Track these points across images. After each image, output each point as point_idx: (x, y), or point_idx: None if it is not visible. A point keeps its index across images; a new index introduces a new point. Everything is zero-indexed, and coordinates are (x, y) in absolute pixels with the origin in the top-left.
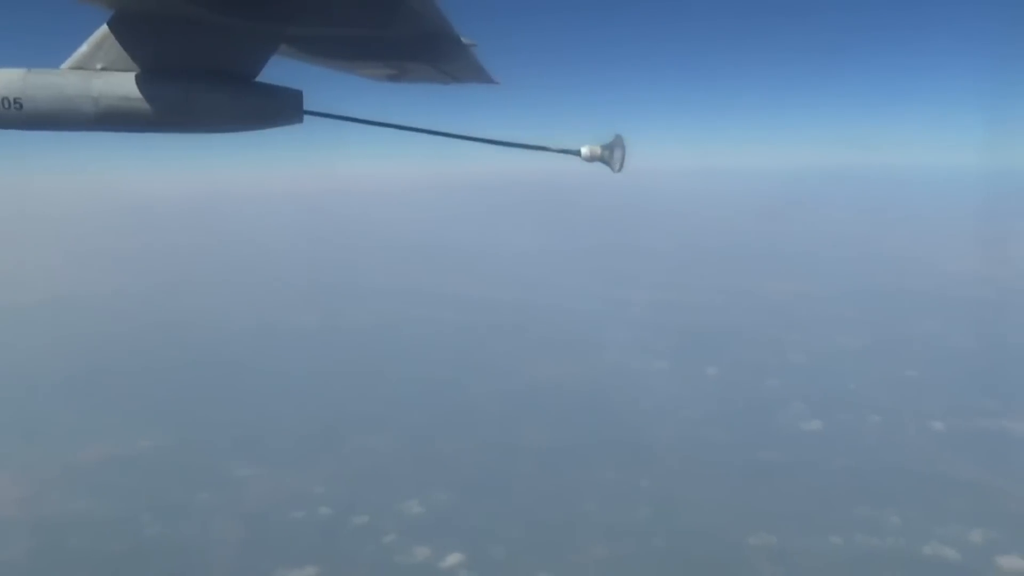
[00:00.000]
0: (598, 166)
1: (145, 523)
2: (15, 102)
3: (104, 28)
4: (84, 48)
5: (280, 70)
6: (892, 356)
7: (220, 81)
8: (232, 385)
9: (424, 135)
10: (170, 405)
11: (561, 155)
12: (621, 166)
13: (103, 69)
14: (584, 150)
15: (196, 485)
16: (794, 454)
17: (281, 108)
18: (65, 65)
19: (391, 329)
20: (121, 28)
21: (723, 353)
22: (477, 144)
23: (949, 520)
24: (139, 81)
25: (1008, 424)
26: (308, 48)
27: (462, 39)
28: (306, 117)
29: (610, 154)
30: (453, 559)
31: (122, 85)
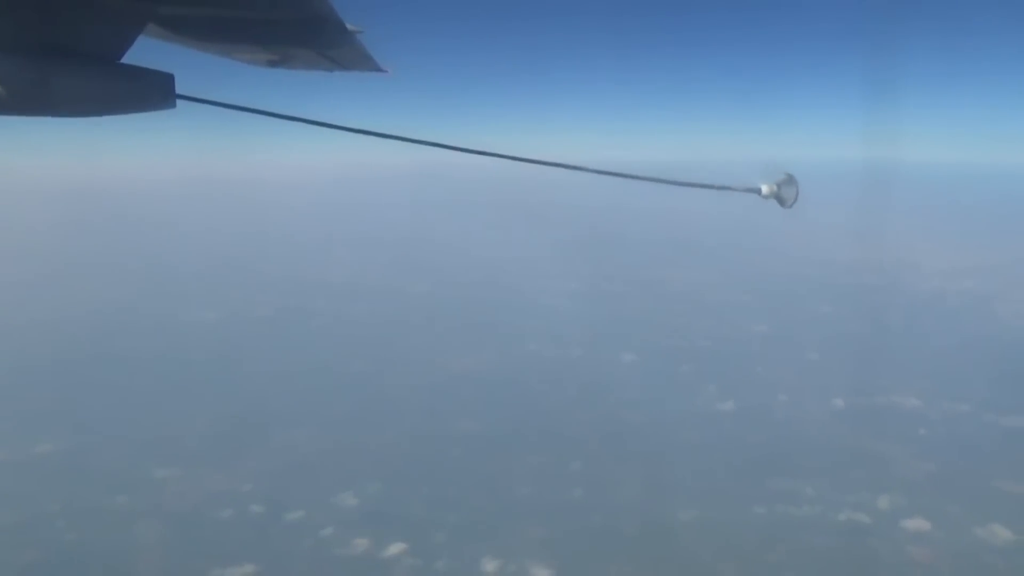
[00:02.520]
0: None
1: (60, 529)
2: None
3: None
4: None
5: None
6: (793, 340)
7: (78, 62)
8: (134, 382)
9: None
10: (67, 406)
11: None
12: (793, 203)
13: None
14: (764, 188)
15: (111, 488)
16: (711, 433)
17: (150, 92)
18: None
19: (297, 321)
20: None
21: (637, 340)
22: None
23: (857, 489)
24: None
25: (899, 399)
26: (178, 29)
27: (347, 25)
28: (180, 102)
29: (780, 191)
30: (395, 548)
31: None
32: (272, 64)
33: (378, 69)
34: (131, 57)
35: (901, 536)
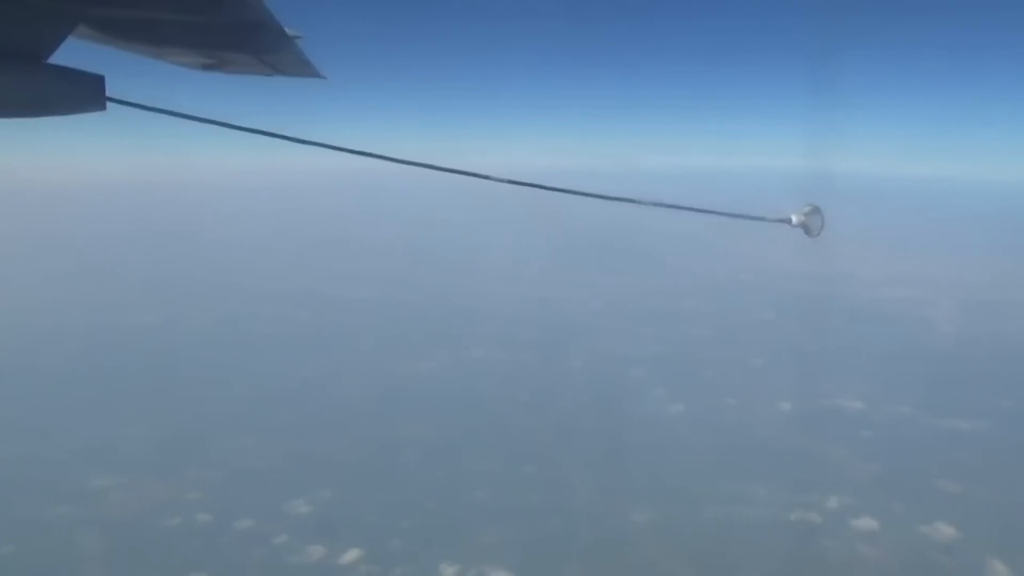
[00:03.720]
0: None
1: None
2: None
3: None
4: None
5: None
6: (738, 345)
7: (3, 61)
8: (72, 390)
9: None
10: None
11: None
12: (819, 232)
13: None
14: (794, 218)
15: (48, 499)
16: (663, 436)
17: (78, 94)
18: None
19: (241, 328)
20: None
21: (585, 346)
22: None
23: (807, 489)
24: None
25: (842, 403)
26: (110, 30)
27: (286, 30)
28: (111, 105)
29: (808, 220)
30: (351, 555)
31: None
32: (207, 68)
33: (316, 75)
34: (60, 58)
35: (851, 535)
